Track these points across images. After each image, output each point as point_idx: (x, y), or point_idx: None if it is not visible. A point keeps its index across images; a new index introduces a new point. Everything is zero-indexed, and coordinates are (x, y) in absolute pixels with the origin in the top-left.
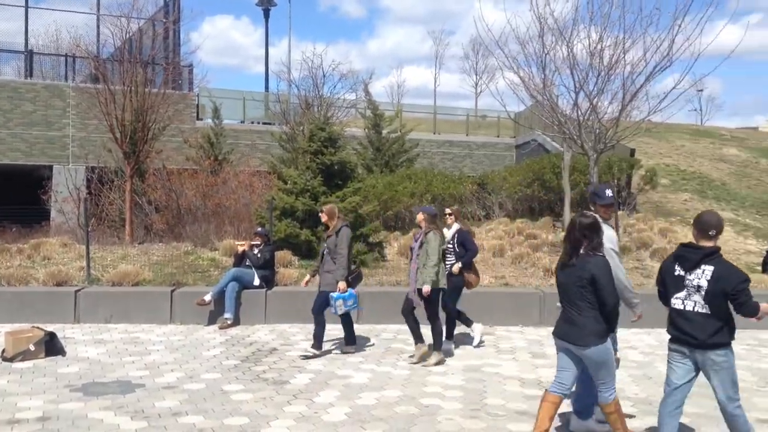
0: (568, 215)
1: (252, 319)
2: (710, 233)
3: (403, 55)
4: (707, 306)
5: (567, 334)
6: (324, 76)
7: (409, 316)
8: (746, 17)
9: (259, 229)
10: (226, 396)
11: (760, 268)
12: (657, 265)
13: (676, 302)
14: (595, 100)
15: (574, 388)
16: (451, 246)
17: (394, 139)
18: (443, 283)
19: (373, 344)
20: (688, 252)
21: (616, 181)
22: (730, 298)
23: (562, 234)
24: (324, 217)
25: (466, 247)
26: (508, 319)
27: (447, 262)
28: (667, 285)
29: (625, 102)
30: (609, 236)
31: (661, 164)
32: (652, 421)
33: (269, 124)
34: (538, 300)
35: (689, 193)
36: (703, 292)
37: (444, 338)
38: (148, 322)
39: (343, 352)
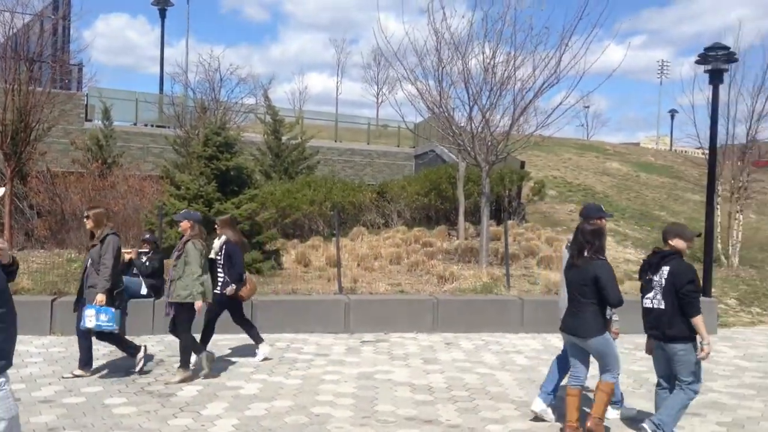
0: (462, 224)
1: (138, 330)
2: (669, 241)
3: (306, 61)
4: (663, 301)
5: (572, 328)
6: (221, 79)
7: (173, 331)
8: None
9: (148, 235)
10: (107, 410)
11: (637, 275)
12: (543, 272)
13: (646, 302)
14: (488, 113)
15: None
16: (219, 258)
17: (294, 146)
18: (206, 297)
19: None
20: (653, 257)
21: (507, 191)
22: (679, 294)
23: (457, 242)
24: (89, 224)
25: (232, 262)
26: (403, 326)
27: (218, 276)
28: (643, 289)
29: (515, 116)
30: None
31: (549, 176)
32: (537, 424)
33: (163, 127)
34: (431, 306)
35: (575, 204)
36: (663, 290)
37: (257, 343)
38: (25, 333)
39: (74, 375)
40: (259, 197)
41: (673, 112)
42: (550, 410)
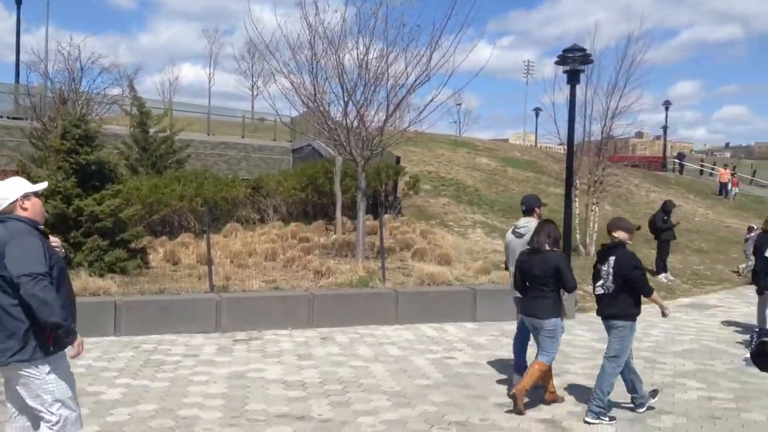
0: (340, 219)
1: None
2: (613, 233)
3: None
4: (612, 287)
5: (533, 311)
6: (82, 68)
7: None
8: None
9: None
10: None
11: (503, 265)
12: (417, 265)
13: (598, 289)
14: (363, 109)
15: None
16: None
17: (163, 139)
18: None
19: (132, 356)
20: (601, 251)
21: (383, 186)
22: (627, 280)
23: (334, 237)
24: None
25: None
26: (278, 323)
27: None
28: (594, 277)
29: (389, 112)
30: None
31: (424, 171)
32: (408, 412)
33: (20, 119)
34: (307, 302)
35: (447, 197)
36: (611, 277)
37: None
38: None
39: None
40: (124, 193)
41: (537, 110)
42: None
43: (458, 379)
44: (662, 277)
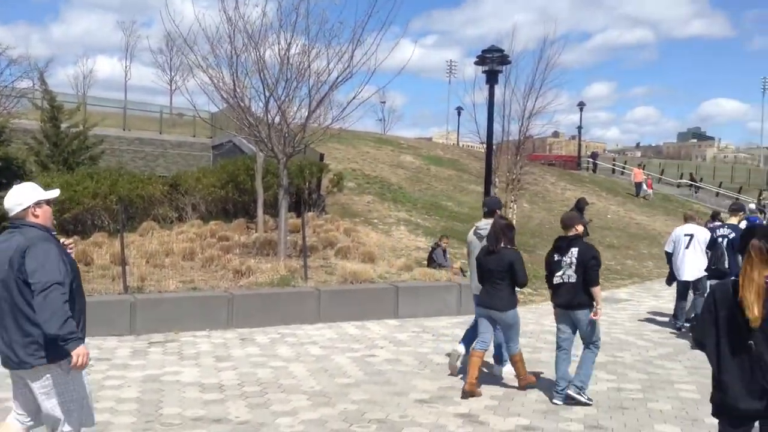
0: (261, 217)
1: None
2: (569, 226)
3: (92, 43)
4: (574, 275)
5: (490, 304)
6: None
7: None
8: (424, 38)
9: None
10: None
11: (426, 262)
12: (341, 263)
13: (557, 279)
14: (284, 105)
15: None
16: None
17: (76, 134)
18: None
19: None
20: (560, 242)
21: (307, 184)
22: (584, 268)
23: (255, 235)
24: None
25: None
26: (195, 324)
27: None
28: (552, 269)
29: (311, 108)
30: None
31: (348, 168)
32: (328, 411)
33: None
34: (226, 302)
35: (372, 195)
36: (573, 267)
37: None
38: None
39: None
40: None
41: (459, 110)
42: (508, 367)
43: (379, 377)
44: None
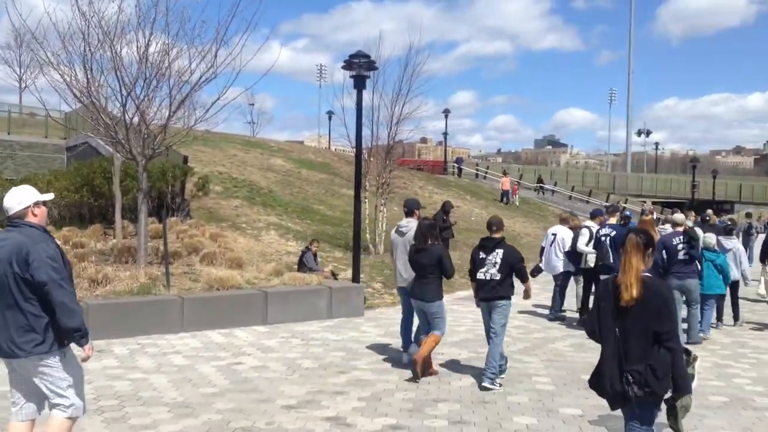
0: (120, 222)
1: None
2: (493, 229)
3: None
4: (498, 274)
5: (420, 295)
6: None
7: None
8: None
9: None
10: None
11: (296, 266)
12: (206, 269)
13: (480, 275)
14: (143, 105)
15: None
16: None
17: None
18: None
19: None
20: (487, 242)
21: (170, 187)
22: (513, 269)
23: (113, 242)
24: None
25: None
26: None
27: None
28: (476, 266)
29: (172, 109)
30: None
31: (215, 172)
32: (191, 422)
33: None
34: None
35: (240, 199)
36: (497, 266)
37: None
38: None
39: None
40: None
41: (330, 114)
42: (413, 348)
43: (245, 384)
44: None
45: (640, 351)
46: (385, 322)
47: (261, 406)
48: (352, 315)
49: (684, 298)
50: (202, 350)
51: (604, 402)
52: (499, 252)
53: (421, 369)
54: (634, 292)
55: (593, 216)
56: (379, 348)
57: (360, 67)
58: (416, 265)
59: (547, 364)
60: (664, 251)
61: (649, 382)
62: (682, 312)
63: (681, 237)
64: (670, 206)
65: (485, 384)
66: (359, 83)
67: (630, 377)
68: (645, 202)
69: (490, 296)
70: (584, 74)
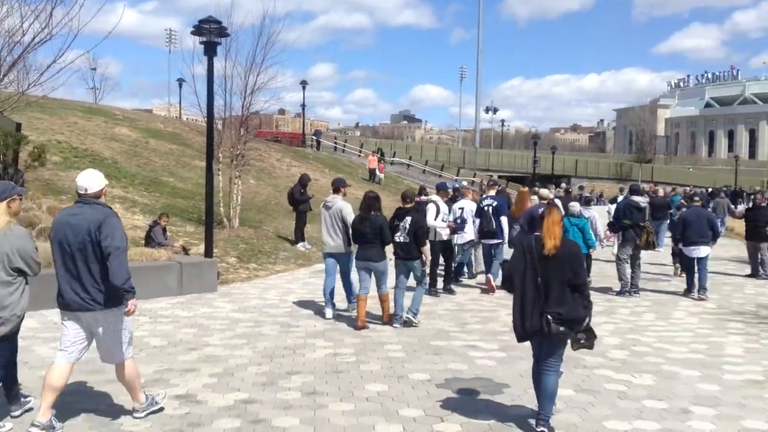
0: None
1: None
2: (407, 200)
3: None
4: (408, 237)
5: (369, 257)
6: None
7: None
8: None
9: None
10: None
11: (143, 241)
12: (44, 245)
13: (397, 238)
14: None
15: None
16: None
17: None
18: None
19: None
20: (399, 212)
21: (1, 157)
22: (416, 234)
23: None
24: None
25: None
26: None
27: None
28: (392, 230)
29: (2, 72)
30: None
31: (53, 140)
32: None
33: None
34: None
35: (81, 170)
36: (406, 231)
37: None
38: None
39: None
40: None
41: (180, 81)
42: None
43: (87, 365)
44: (300, 245)
45: (558, 297)
46: (239, 297)
47: (106, 386)
48: (205, 291)
49: None
50: (40, 330)
51: (451, 366)
52: (408, 219)
53: (389, 319)
54: (558, 242)
55: (438, 190)
56: (233, 323)
57: (211, 33)
58: (361, 233)
59: (399, 333)
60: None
61: (567, 322)
62: None
63: (545, 208)
64: (514, 180)
65: (409, 316)
66: (210, 50)
67: (550, 317)
68: (492, 176)
69: (404, 256)
70: (439, 51)
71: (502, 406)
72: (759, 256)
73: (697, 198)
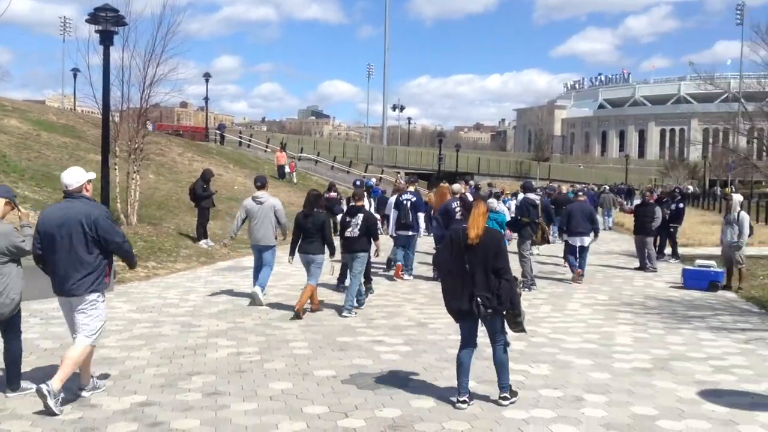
0: None
1: None
2: (356, 198)
3: None
4: (358, 233)
5: (309, 251)
6: None
7: None
8: None
9: None
10: None
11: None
12: None
13: (347, 233)
14: None
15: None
16: None
17: None
18: None
19: None
20: (351, 209)
21: None
22: (369, 230)
23: None
24: None
25: None
26: None
27: None
28: (344, 227)
29: None
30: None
31: None
32: None
33: None
34: None
35: None
36: (358, 227)
37: None
38: None
39: None
40: None
41: (75, 72)
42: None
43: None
44: (203, 243)
45: (485, 281)
46: (137, 297)
47: None
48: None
49: None
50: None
51: (356, 362)
52: (360, 216)
53: (301, 311)
54: (480, 232)
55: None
56: (130, 324)
57: (107, 21)
58: (303, 228)
59: (305, 329)
60: (447, 213)
61: (494, 305)
62: None
63: (458, 202)
64: (421, 176)
65: (344, 314)
66: (106, 39)
67: (479, 300)
68: (399, 172)
69: (353, 249)
70: (347, 48)
71: (407, 398)
72: (646, 250)
73: (581, 194)
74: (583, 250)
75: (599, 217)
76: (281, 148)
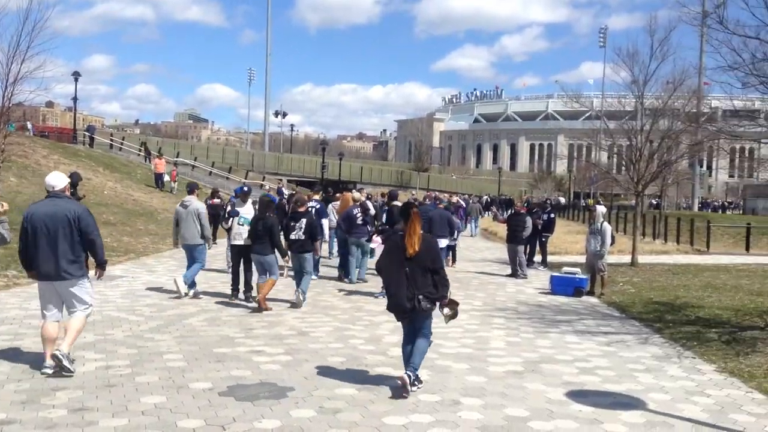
0: None
1: None
2: (298, 204)
3: None
4: (303, 236)
5: (259, 252)
6: None
7: None
8: None
9: None
10: None
11: None
12: None
13: (293, 235)
14: None
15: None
16: None
17: None
18: None
19: None
20: (295, 215)
21: None
22: (311, 232)
23: None
24: None
25: None
26: None
27: None
28: (289, 231)
29: None
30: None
31: None
32: None
33: None
34: None
35: None
36: (302, 230)
37: None
38: None
39: None
40: None
41: None
42: (184, 286)
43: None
44: None
45: (424, 281)
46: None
47: None
48: None
49: (359, 249)
50: None
51: (234, 373)
52: (303, 221)
53: (264, 305)
54: (417, 247)
55: (237, 193)
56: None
57: None
58: (256, 231)
59: (180, 341)
60: (348, 218)
61: (433, 297)
62: (360, 258)
63: (358, 209)
64: (304, 184)
65: (301, 297)
66: None
67: (421, 297)
68: (281, 180)
69: (299, 250)
70: (228, 51)
71: (287, 409)
72: (517, 258)
73: (442, 203)
74: (441, 250)
75: (468, 224)
76: (160, 155)
